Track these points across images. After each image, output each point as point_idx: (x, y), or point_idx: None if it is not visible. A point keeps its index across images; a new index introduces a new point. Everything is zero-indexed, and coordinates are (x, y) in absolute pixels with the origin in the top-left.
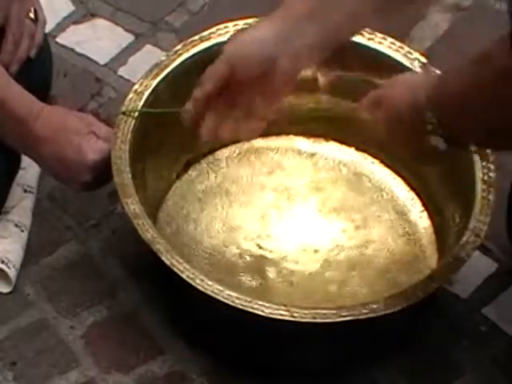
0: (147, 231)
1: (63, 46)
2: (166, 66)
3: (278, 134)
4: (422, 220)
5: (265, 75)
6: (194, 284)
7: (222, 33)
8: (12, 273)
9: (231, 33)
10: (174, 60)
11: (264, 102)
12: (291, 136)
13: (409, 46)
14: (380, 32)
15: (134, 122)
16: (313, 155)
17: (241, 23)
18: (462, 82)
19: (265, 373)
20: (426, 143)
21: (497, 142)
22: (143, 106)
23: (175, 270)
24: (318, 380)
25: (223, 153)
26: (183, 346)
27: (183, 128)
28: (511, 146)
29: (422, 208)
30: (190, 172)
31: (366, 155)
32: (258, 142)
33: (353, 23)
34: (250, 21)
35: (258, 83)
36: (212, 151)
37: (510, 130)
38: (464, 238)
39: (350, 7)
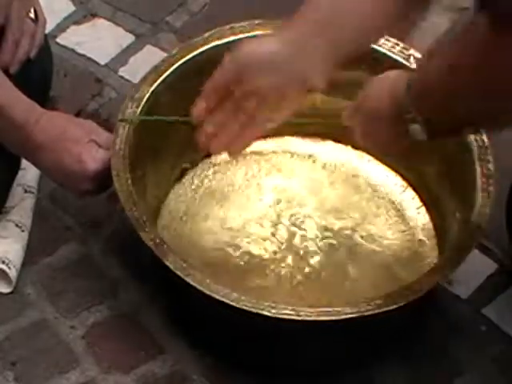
0: (150, 236)
1: (63, 47)
2: (163, 71)
3: (275, 134)
4: (420, 216)
5: (274, 88)
6: (200, 288)
7: (218, 36)
8: (12, 273)
9: (227, 37)
10: (171, 65)
11: (270, 110)
12: (287, 137)
13: (409, 47)
14: None
15: (132, 127)
16: (310, 155)
17: (237, 26)
18: (442, 65)
19: (265, 372)
20: (405, 137)
21: (479, 124)
22: (141, 111)
23: (180, 274)
24: (318, 379)
25: (220, 156)
26: (183, 345)
27: (181, 133)
28: (491, 126)
29: (421, 204)
30: (188, 176)
31: (362, 154)
32: (255, 144)
33: (364, 37)
34: (246, 23)
35: (264, 95)
36: (209, 155)
37: (492, 111)
38: (466, 231)
39: (360, 22)
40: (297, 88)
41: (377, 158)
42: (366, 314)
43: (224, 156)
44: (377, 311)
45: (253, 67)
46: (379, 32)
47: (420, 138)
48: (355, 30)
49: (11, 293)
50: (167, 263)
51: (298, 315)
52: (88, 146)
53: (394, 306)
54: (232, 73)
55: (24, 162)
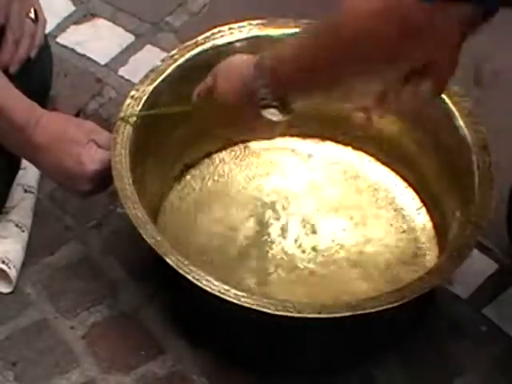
0: (151, 235)
1: (64, 46)
2: (163, 71)
3: None
4: (420, 216)
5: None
6: (200, 285)
7: (217, 37)
8: (12, 273)
9: (227, 37)
10: (170, 65)
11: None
12: (287, 137)
13: None
14: None
15: (132, 127)
16: (309, 155)
17: (235, 26)
18: (300, 45)
19: (265, 371)
20: (261, 119)
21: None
22: (141, 111)
23: (181, 272)
24: (318, 378)
25: (219, 155)
26: (184, 345)
27: (180, 132)
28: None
29: (421, 204)
30: (187, 175)
31: (362, 154)
32: (255, 144)
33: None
34: (246, 23)
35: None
36: (209, 154)
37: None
38: (466, 231)
39: None
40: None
41: (377, 158)
42: (366, 312)
43: (223, 155)
44: (378, 310)
45: (221, 73)
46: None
47: (275, 118)
48: None
49: (11, 293)
50: (169, 261)
51: (300, 313)
52: (88, 147)
53: (395, 305)
54: (209, 81)
55: (24, 162)
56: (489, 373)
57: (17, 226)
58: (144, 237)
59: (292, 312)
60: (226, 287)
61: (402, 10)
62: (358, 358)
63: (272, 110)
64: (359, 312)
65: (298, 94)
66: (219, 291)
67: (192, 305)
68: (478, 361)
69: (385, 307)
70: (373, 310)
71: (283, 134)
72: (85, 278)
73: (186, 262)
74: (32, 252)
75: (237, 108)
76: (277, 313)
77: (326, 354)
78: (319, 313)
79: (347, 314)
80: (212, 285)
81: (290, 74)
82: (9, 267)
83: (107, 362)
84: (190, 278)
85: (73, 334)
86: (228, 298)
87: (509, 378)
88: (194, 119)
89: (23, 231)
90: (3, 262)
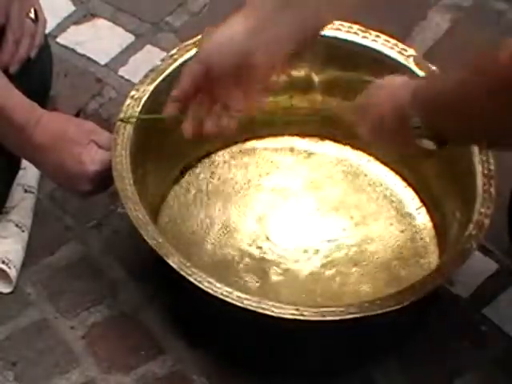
0: (152, 236)
1: (64, 47)
2: (162, 71)
3: (274, 134)
4: (420, 216)
5: (239, 70)
6: (202, 287)
7: None
8: (12, 273)
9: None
10: (170, 64)
11: (241, 97)
12: (287, 136)
13: (410, 47)
14: (376, 30)
15: (132, 127)
16: (309, 155)
17: None
18: (454, 85)
19: (265, 372)
20: (414, 145)
21: (492, 143)
22: (141, 111)
23: (183, 273)
24: (318, 379)
25: (219, 155)
26: (183, 345)
27: (181, 132)
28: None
29: (421, 204)
30: (187, 175)
31: (361, 153)
32: (254, 143)
33: (331, 11)
34: None
35: (233, 78)
36: (208, 154)
37: (503, 132)
38: (467, 232)
39: None
40: (259, 63)
41: (377, 157)
42: (369, 314)
43: (223, 155)
44: (379, 312)
45: (213, 53)
46: (346, 7)
47: (430, 147)
48: (318, 7)
49: (11, 293)
50: (170, 263)
51: (302, 315)
52: (88, 147)
53: (397, 307)
54: (197, 68)
55: (24, 162)
56: (489, 373)
57: (17, 225)
58: (145, 238)
59: (295, 315)
60: (229, 289)
61: None
62: (359, 360)
63: (425, 141)
64: (362, 315)
65: (450, 131)
66: (221, 293)
67: (192, 305)
68: (478, 361)
69: (387, 310)
70: (375, 313)
71: (282, 133)
72: (85, 278)
73: (188, 264)
74: (32, 252)
75: (390, 131)
76: (279, 316)
77: (326, 356)
78: (322, 316)
79: (350, 317)
80: (214, 287)
81: (443, 109)
82: (9, 267)
83: (107, 362)
84: (191, 279)
85: (73, 334)
86: (230, 301)
87: (509, 378)
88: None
89: (23, 231)
90: (3, 262)
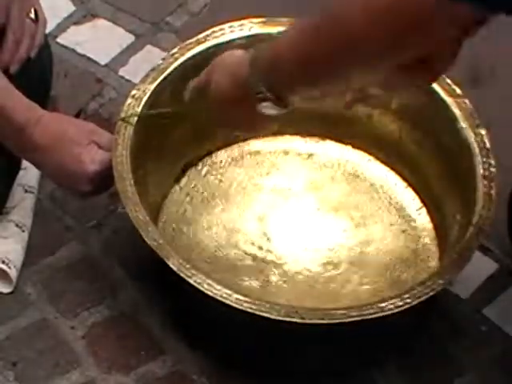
0: (153, 238)
1: (64, 47)
2: (163, 70)
3: (274, 134)
4: (421, 217)
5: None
6: (202, 289)
7: (217, 35)
8: (13, 273)
9: (227, 35)
10: (171, 64)
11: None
12: (287, 136)
13: None
14: None
15: (133, 127)
16: (309, 155)
17: (236, 24)
18: (297, 41)
19: (265, 373)
20: (258, 114)
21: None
22: (142, 110)
23: (183, 275)
24: (318, 380)
25: (220, 155)
26: (183, 346)
27: (181, 132)
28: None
29: (421, 204)
30: (188, 175)
31: (362, 153)
32: (254, 143)
33: None
34: (247, 21)
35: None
36: (209, 154)
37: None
38: (468, 234)
39: None
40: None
41: (377, 157)
42: (369, 317)
43: (224, 155)
44: (380, 314)
45: (215, 70)
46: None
47: (272, 112)
48: None
49: (11, 293)
50: (170, 264)
51: (302, 318)
52: (88, 147)
53: (397, 310)
54: (204, 75)
55: (24, 162)
56: (489, 373)
57: (17, 226)
58: (145, 239)
59: (295, 318)
60: (228, 291)
61: (410, 6)
62: (359, 361)
63: (269, 104)
64: (363, 318)
65: (295, 87)
66: (221, 296)
67: (192, 306)
68: (478, 361)
69: (387, 313)
70: (376, 316)
71: (282, 133)
72: (85, 278)
73: (188, 266)
74: (32, 252)
75: (232, 104)
76: (279, 318)
77: (326, 357)
78: (322, 319)
79: (351, 320)
80: (214, 289)
81: (287, 67)
82: (9, 267)
83: (107, 362)
84: (191, 281)
85: (73, 334)
86: (230, 303)
87: (509, 378)
88: (192, 118)
89: (23, 231)
90: (3, 262)
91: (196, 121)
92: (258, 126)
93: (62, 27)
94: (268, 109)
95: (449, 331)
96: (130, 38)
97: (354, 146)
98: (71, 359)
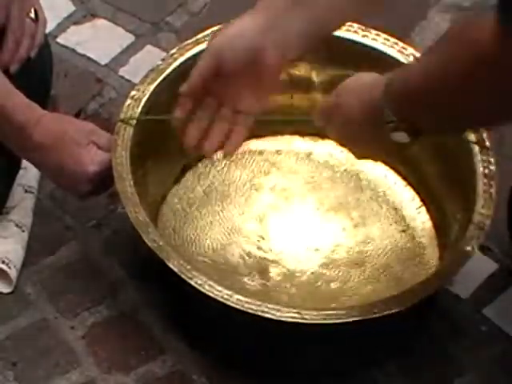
0: (153, 239)
1: (64, 47)
2: (163, 71)
3: (274, 134)
4: (420, 216)
5: (251, 66)
6: (203, 290)
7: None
8: (13, 273)
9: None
10: (170, 64)
11: (251, 96)
12: (287, 136)
13: (409, 45)
14: (377, 29)
15: (132, 128)
16: (309, 154)
17: None
18: (426, 72)
19: (265, 373)
20: (388, 140)
21: (463, 128)
22: (141, 111)
23: (184, 277)
24: (318, 380)
25: (219, 155)
26: (184, 346)
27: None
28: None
29: (421, 203)
30: (187, 175)
31: None
32: (254, 143)
33: (340, 14)
34: None
35: (244, 75)
36: None
37: (477, 117)
38: (467, 233)
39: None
40: (271, 60)
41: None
42: (370, 317)
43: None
44: (381, 314)
45: (225, 48)
46: (353, 12)
47: (404, 141)
48: (329, 7)
49: (11, 293)
50: (171, 266)
51: (303, 318)
52: (88, 148)
53: (398, 310)
54: (208, 63)
55: (24, 162)
56: (489, 373)
57: (17, 225)
58: (146, 241)
59: (296, 318)
60: (229, 292)
61: None
62: (359, 361)
63: (400, 133)
64: (363, 318)
65: (424, 119)
66: (222, 297)
67: (193, 306)
68: (478, 361)
69: (388, 313)
70: (377, 316)
71: (282, 133)
72: (85, 278)
73: (189, 267)
74: (32, 252)
75: (362, 129)
76: (280, 319)
77: (326, 357)
78: (323, 319)
79: (351, 320)
80: (215, 290)
81: (415, 98)
82: (9, 267)
83: (107, 362)
84: (192, 283)
85: (73, 334)
86: (231, 304)
87: (509, 378)
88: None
89: (23, 231)
90: (3, 262)
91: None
92: (385, 151)
93: (61, 27)
94: (398, 136)
95: (449, 331)
96: (129, 38)
97: None
98: (71, 359)
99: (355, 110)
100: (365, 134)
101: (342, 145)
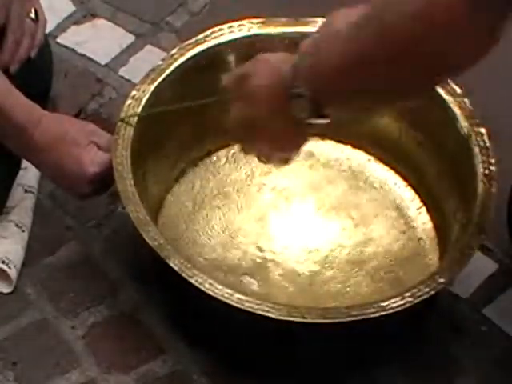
0: (153, 238)
1: (64, 47)
2: (163, 71)
3: None
4: (421, 216)
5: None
6: (203, 289)
7: (217, 36)
8: (13, 273)
9: (227, 35)
10: (171, 64)
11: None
12: None
13: None
14: None
15: (132, 128)
16: (309, 154)
17: (236, 25)
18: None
19: (265, 373)
20: (288, 117)
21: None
22: (142, 111)
23: (184, 275)
24: (319, 380)
25: (220, 155)
26: (184, 345)
27: (181, 131)
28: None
29: (421, 204)
30: (187, 175)
31: (362, 152)
32: None
33: None
34: (246, 21)
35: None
36: (209, 154)
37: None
38: (468, 233)
39: None
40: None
41: (377, 157)
42: (371, 316)
43: (223, 154)
44: (381, 313)
45: (259, 66)
46: None
47: (301, 115)
48: None
49: (11, 293)
50: (171, 264)
51: (304, 317)
52: (88, 148)
53: (398, 309)
54: (242, 71)
55: (24, 162)
56: (489, 373)
57: (17, 226)
58: (146, 240)
59: (296, 317)
60: (230, 291)
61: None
62: (359, 361)
63: (302, 112)
64: (364, 318)
65: (334, 97)
66: (222, 295)
67: (193, 305)
68: (478, 361)
69: (389, 312)
70: (377, 316)
71: None
72: (85, 278)
73: (189, 266)
74: (32, 252)
75: (268, 106)
76: (281, 318)
77: (326, 357)
78: (324, 318)
79: (352, 319)
80: (215, 289)
81: (328, 73)
82: (9, 267)
83: (107, 362)
84: (193, 281)
85: (73, 334)
86: (231, 303)
87: (509, 378)
88: (193, 115)
89: (23, 231)
90: (3, 262)
91: (196, 120)
92: (290, 132)
93: (62, 27)
94: (298, 108)
95: (449, 331)
96: (130, 38)
97: (353, 146)
98: (71, 359)
99: (266, 83)
100: (267, 109)
101: (237, 133)
